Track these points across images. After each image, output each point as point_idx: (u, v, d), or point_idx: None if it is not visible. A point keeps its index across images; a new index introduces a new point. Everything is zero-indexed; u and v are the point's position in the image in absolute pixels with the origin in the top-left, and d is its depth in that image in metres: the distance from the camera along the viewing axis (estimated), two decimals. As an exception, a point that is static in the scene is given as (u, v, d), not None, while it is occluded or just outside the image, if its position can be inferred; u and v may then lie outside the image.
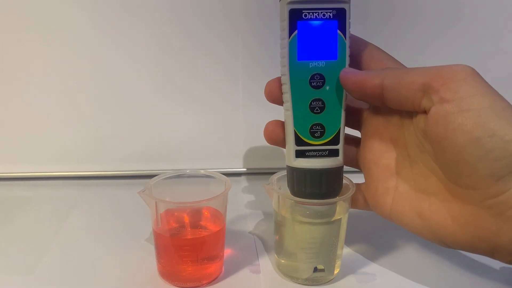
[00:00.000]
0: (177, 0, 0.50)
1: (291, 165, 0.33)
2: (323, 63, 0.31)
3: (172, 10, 0.51)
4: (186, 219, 0.37)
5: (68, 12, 0.50)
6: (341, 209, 0.35)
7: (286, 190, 0.35)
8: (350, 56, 0.32)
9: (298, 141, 0.32)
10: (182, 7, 0.50)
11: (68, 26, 0.51)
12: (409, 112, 0.31)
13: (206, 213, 0.37)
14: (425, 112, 0.29)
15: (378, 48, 0.34)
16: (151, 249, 0.37)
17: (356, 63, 0.33)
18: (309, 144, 0.32)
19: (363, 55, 0.33)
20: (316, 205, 0.33)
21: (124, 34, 0.51)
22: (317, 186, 0.32)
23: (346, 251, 0.39)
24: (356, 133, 0.37)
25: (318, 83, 0.32)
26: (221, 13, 0.51)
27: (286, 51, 0.31)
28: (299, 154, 0.32)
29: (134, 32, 0.51)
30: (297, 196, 0.33)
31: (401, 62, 0.33)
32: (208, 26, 0.51)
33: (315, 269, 0.34)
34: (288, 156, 0.33)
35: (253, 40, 0.52)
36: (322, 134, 0.32)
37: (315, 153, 0.32)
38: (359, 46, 0.33)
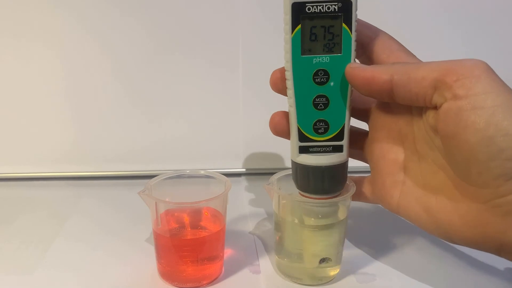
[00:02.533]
0: None
1: (294, 161, 0.33)
2: (327, 58, 0.30)
3: (172, 9, 0.51)
4: (186, 219, 0.37)
5: (52, 13, 0.50)
6: (342, 210, 0.35)
7: (286, 191, 0.35)
8: (361, 44, 0.31)
9: (302, 137, 0.32)
10: (182, 6, 0.51)
11: (54, 28, 0.51)
12: (418, 107, 0.30)
13: (206, 213, 0.37)
14: (435, 107, 0.28)
15: (391, 37, 0.32)
16: (151, 250, 0.37)
17: (366, 52, 0.32)
18: (312, 140, 0.32)
19: (374, 44, 0.32)
20: (317, 205, 0.33)
21: (121, 32, 0.51)
22: (320, 182, 0.32)
23: (346, 251, 0.39)
24: (362, 124, 0.36)
25: (322, 79, 0.31)
26: (221, 12, 0.51)
27: (289, 46, 0.30)
28: (303, 150, 0.32)
29: (132, 30, 0.51)
30: (301, 190, 0.33)
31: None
32: (208, 25, 0.51)
33: (322, 260, 0.34)
34: (292, 151, 0.33)
35: (253, 39, 0.52)
36: (326, 130, 0.32)
37: (319, 149, 0.32)
38: (371, 34, 0.32)
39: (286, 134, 0.34)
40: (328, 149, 0.32)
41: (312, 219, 0.34)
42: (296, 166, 0.33)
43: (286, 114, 0.34)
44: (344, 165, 0.33)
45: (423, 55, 0.32)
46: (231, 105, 0.54)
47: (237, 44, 0.52)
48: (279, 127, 0.34)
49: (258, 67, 0.52)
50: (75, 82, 0.53)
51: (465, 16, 0.53)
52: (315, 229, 0.34)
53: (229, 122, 0.55)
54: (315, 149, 0.32)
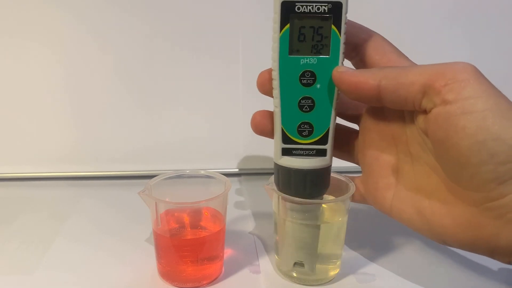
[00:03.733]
0: None
1: (277, 163, 0.33)
2: (315, 59, 0.30)
3: (173, 9, 0.51)
4: (186, 219, 0.37)
5: (54, 11, 0.50)
6: (341, 210, 0.35)
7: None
8: (354, 46, 0.31)
9: (285, 139, 0.32)
10: (182, 6, 0.51)
11: (55, 27, 0.51)
12: (409, 110, 0.30)
13: (206, 213, 0.37)
14: (425, 111, 0.28)
15: (384, 39, 0.32)
16: (151, 250, 0.37)
17: (359, 54, 0.32)
18: (296, 142, 0.32)
19: (367, 46, 0.32)
20: (300, 203, 0.33)
21: (121, 31, 0.51)
22: (302, 186, 0.32)
23: (346, 251, 0.39)
24: (351, 125, 0.36)
25: (309, 81, 0.30)
26: (221, 11, 0.51)
27: (276, 45, 0.30)
28: (286, 152, 0.32)
29: (132, 30, 0.51)
30: (283, 193, 0.33)
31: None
32: (209, 25, 0.51)
33: (295, 264, 0.34)
34: (275, 153, 0.33)
35: (253, 40, 0.52)
36: (310, 133, 0.31)
37: (302, 152, 0.32)
38: (364, 36, 0.32)
39: (267, 134, 0.34)
40: (311, 152, 0.32)
41: (294, 215, 0.34)
42: (278, 168, 0.33)
43: (267, 114, 0.34)
44: (327, 169, 0.33)
45: (418, 57, 0.32)
46: (231, 105, 0.54)
47: (237, 44, 0.52)
48: (260, 126, 0.34)
49: (258, 67, 0.52)
50: (75, 82, 0.53)
51: (460, 17, 0.53)
52: (299, 225, 0.34)
53: (229, 122, 0.55)
54: (298, 151, 0.32)
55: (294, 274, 0.35)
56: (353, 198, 0.36)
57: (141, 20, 0.51)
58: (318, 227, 0.34)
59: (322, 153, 0.32)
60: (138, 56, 0.52)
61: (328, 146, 0.32)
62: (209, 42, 0.52)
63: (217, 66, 0.53)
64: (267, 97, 0.35)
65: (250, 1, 0.51)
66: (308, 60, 0.30)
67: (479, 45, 0.54)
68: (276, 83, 0.31)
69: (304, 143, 0.32)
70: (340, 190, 0.35)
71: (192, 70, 0.53)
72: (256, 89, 0.34)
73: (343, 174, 0.36)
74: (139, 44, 0.52)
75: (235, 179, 0.56)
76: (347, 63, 0.32)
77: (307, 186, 0.32)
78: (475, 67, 0.27)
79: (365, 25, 0.33)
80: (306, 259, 0.34)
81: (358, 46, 0.32)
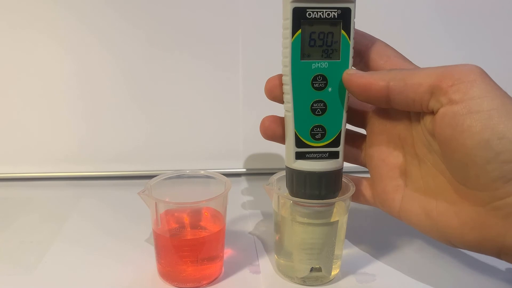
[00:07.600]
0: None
1: (290, 167, 0.33)
2: (326, 64, 0.31)
3: (173, 10, 0.51)
4: (186, 219, 0.37)
5: (57, 13, 0.50)
6: (341, 210, 0.35)
7: (286, 191, 0.35)
8: (358, 53, 0.32)
9: (299, 143, 0.32)
10: (182, 6, 0.51)
11: (59, 26, 0.51)
12: (416, 112, 0.31)
13: (206, 213, 0.37)
14: (432, 112, 0.29)
15: (387, 44, 0.33)
16: (151, 250, 0.37)
17: (364, 60, 0.33)
18: (309, 146, 0.32)
19: (371, 51, 0.32)
20: (314, 206, 0.33)
21: (121, 32, 0.51)
22: (317, 188, 0.32)
23: (346, 251, 0.39)
24: (358, 129, 0.36)
25: (321, 85, 0.31)
26: (221, 12, 0.51)
27: (288, 50, 0.30)
28: (299, 155, 0.32)
29: (133, 31, 0.51)
30: (296, 197, 0.33)
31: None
32: (209, 25, 0.51)
33: (312, 269, 0.34)
34: (287, 157, 0.33)
35: (253, 40, 0.52)
36: (323, 136, 0.32)
37: (315, 155, 0.32)
38: (367, 43, 0.33)
39: (276, 138, 0.34)
40: (324, 155, 0.32)
41: (304, 218, 0.34)
42: (292, 172, 0.33)
43: (276, 119, 0.34)
44: (340, 171, 0.33)
45: (420, 61, 0.32)
46: (231, 105, 0.54)
47: (237, 44, 0.52)
48: (269, 131, 0.34)
49: (258, 67, 0.52)
50: (75, 83, 0.53)
51: (459, 22, 0.53)
52: (306, 226, 0.34)
53: (229, 122, 0.55)
54: (311, 155, 0.32)
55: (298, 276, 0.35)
56: (360, 200, 0.36)
57: (142, 21, 0.51)
58: (333, 225, 0.34)
59: (335, 155, 0.32)
60: (139, 57, 0.52)
61: (340, 148, 0.32)
62: (209, 42, 0.52)
63: (217, 66, 0.53)
64: (267, 97, 0.35)
65: (250, 1, 0.51)
66: (319, 65, 0.31)
67: (479, 47, 0.54)
68: (288, 88, 0.31)
69: (317, 146, 0.32)
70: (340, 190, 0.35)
71: (192, 70, 0.53)
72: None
73: (350, 174, 0.36)
74: (139, 44, 0.52)
75: (235, 179, 0.56)
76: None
77: (322, 188, 0.32)
78: (481, 69, 0.27)
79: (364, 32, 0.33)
80: (323, 262, 0.34)
81: (362, 53, 0.33)
